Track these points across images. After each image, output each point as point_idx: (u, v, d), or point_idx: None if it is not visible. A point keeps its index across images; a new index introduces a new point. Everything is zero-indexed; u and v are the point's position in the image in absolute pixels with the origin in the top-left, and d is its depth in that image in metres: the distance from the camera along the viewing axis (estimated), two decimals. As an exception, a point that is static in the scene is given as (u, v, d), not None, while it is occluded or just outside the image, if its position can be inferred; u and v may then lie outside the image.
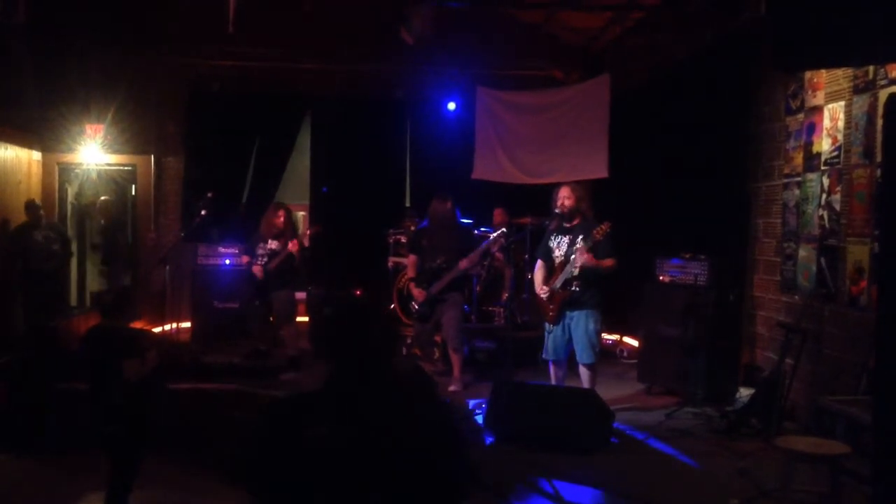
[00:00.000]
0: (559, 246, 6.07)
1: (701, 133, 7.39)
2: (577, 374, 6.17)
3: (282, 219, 7.74)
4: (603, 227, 5.77)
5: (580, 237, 5.89)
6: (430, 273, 7.08)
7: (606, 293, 6.09)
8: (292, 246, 7.55)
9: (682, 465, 5.21)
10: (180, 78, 10.12)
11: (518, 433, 5.55)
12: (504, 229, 7.31)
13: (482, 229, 8.48)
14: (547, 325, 6.12)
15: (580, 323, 5.96)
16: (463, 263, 6.91)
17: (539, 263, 6.25)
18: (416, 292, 7.14)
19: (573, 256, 5.88)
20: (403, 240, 9.14)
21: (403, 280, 8.67)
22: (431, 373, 7.17)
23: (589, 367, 6.05)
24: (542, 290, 6.11)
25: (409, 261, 7.42)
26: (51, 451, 5.20)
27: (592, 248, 5.79)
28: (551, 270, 6.11)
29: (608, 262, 5.83)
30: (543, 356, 6.25)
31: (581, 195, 6.13)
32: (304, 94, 10.40)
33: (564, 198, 6.04)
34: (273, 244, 7.74)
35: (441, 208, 7.11)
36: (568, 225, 6.08)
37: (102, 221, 9.87)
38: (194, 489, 4.65)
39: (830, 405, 4.78)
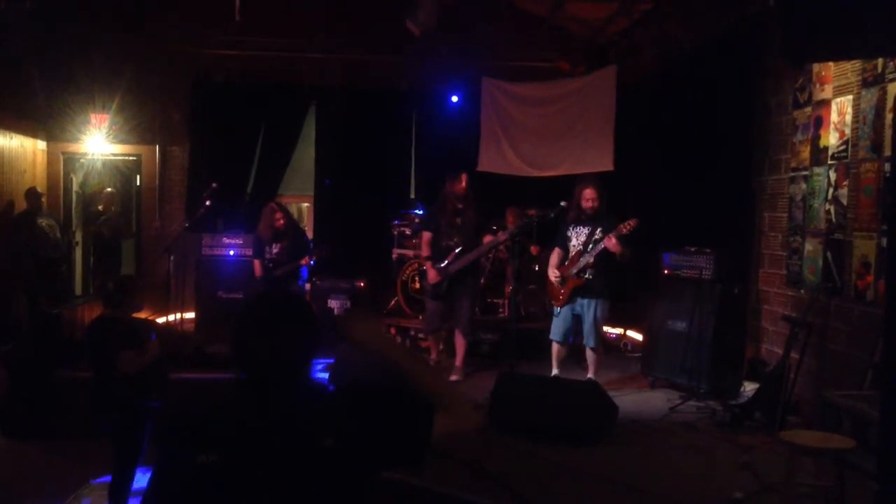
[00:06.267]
0: (577, 236, 6.51)
1: (707, 126, 7.36)
2: (584, 358, 6.71)
3: (281, 221, 7.51)
4: (630, 222, 6.17)
5: (599, 229, 6.33)
6: (445, 252, 7.03)
7: (611, 287, 6.50)
8: (305, 262, 7.36)
9: (686, 458, 5.20)
10: (185, 67, 10.08)
11: (522, 424, 5.57)
12: (511, 231, 7.15)
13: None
14: (555, 308, 6.60)
15: (590, 309, 6.43)
16: (485, 242, 6.98)
17: (556, 250, 6.67)
18: (431, 273, 7.05)
19: (591, 246, 6.33)
20: (408, 231, 9.11)
21: (409, 270, 8.64)
22: (431, 362, 7.12)
23: (595, 350, 6.55)
24: (554, 275, 6.55)
25: (424, 238, 7.29)
26: (54, 439, 5.22)
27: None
28: (566, 258, 6.55)
29: (628, 251, 6.26)
30: (550, 336, 6.67)
31: (602, 194, 6.50)
32: (309, 84, 10.34)
33: (592, 199, 6.45)
34: (276, 248, 7.52)
35: (455, 187, 7.03)
36: (586, 217, 6.49)
37: (101, 208, 9.85)
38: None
39: (836, 400, 4.77)
